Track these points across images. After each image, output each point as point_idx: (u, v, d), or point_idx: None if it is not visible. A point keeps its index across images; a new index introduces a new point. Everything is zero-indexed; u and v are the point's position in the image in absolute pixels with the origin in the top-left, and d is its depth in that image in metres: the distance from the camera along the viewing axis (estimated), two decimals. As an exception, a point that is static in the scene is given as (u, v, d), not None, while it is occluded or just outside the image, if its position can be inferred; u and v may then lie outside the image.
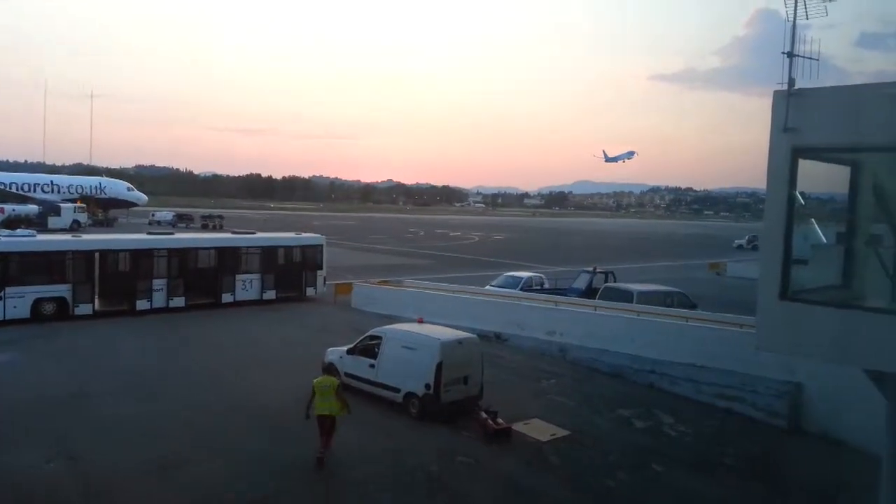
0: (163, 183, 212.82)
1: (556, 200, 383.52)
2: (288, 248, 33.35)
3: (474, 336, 18.00)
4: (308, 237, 35.77)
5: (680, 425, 17.18)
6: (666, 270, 53.78)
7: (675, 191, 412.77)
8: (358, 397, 16.14)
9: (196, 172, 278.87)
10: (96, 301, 27.07)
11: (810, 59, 8.57)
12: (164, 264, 28.66)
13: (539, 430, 16.07)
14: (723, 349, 18.98)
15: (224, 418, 15.85)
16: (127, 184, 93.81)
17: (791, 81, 8.50)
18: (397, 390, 16.84)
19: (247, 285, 30.93)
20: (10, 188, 74.85)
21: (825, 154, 8.94)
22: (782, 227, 8.56)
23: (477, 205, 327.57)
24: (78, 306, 26.38)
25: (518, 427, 15.91)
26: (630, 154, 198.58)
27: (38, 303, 25.66)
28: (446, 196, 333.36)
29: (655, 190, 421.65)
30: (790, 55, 8.54)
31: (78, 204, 73.33)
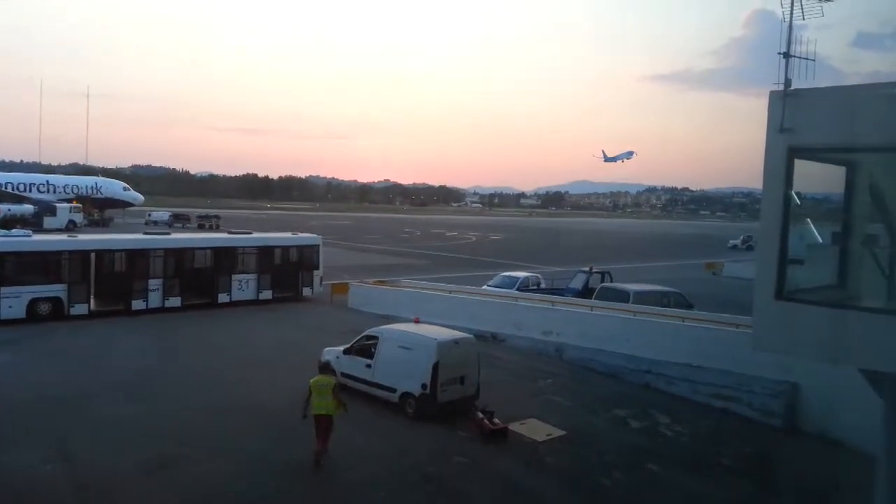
0: (159, 183, 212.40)
1: (553, 200, 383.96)
2: (284, 248, 33.35)
3: (471, 336, 18.01)
4: (304, 237, 35.76)
5: (676, 425, 17.19)
6: (662, 270, 53.84)
7: (672, 191, 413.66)
8: (354, 397, 16.11)
9: (192, 172, 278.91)
10: (92, 301, 27.00)
11: (806, 59, 8.58)
12: (160, 264, 28.60)
13: (535, 430, 16.06)
14: (719, 349, 18.99)
15: (222, 418, 15.82)
16: (123, 184, 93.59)
17: (787, 82, 8.51)
18: (394, 390, 16.83)
19: (243, 285, 30.89)
20: (6, 188, 74.53)
21: (821, 154, 8.95)
22: (778, 226, 8.57)
23: (474, 205, 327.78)
24: (73, 306, 26.31)
25: (514, 427, 15.91)
26: (629, 154, 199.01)
27: (33, 303, 25.60)
28: (443, 196, 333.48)
29: (652, 190, 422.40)
30: (786, 56, 8.55)
31: (74, 204, 73.22)
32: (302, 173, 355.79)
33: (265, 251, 32.11)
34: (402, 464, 13.78)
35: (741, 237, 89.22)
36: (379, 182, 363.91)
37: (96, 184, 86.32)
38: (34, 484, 12.22)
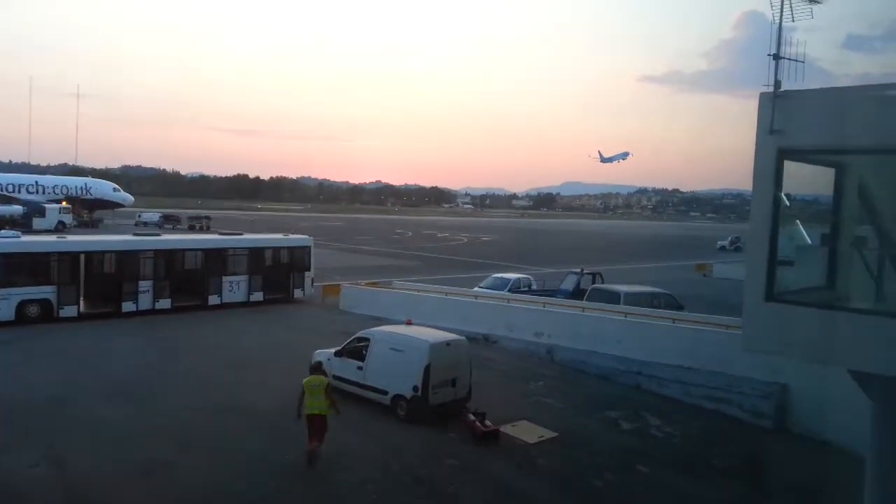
0: (149, 184, 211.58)
1: (544, 202, 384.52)
2: (275, 250, 33.24)
3: (462, 338, 17.97)
4: (296, 238, 35.64)
5: (667, 426, 17.24)
6: (653, 271, 54.02)
7: (663, 192, 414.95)
8: (346, 399, 16.08)
9: (183, 173, 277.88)
10: (81, 303, 26.83)
11: (796, 61, 8.61)
12: (151, 266, 28.45)
13: (527, 431, 16.07)
14: (709, 350, 19.07)
15: (217, 419, 15.81)
16: (113, 184, 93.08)
17: (777, 83, 8.53)
18: (385, 392, 16.79)
19: (234, 287, 30.75)
20: (-6, 189, 74.15)
21: (811, 156, 8.98)
22: (768, 228, 8.59)
23: (465, 206, 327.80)
24: (63, 308, 26.13)
25: (506, 429, 15.91)
26: (624, 155, 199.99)
27: (22, 305, 25.41)
28: (434, 197, 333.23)
29: (643, 191, 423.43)
30: (776, 57, 8.57)
31: (63, 205, 72.68)
32: (293, 174, 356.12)
33: (256, 252, 31.98)
34: (393, 465, 13.76)
35: (729, 238, 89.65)
36: (371, 183, 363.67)
37: (86, 184, 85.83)
38: (29, 486, 12.16)
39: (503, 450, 14.98)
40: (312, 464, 13.31)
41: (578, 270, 34.20)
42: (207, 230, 72.88)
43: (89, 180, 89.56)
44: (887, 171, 8.57)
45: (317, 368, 14.59)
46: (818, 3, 8.82)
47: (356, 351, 17.78)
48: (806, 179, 9.22)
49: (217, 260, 30.51)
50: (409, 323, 18.60)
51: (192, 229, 78.46)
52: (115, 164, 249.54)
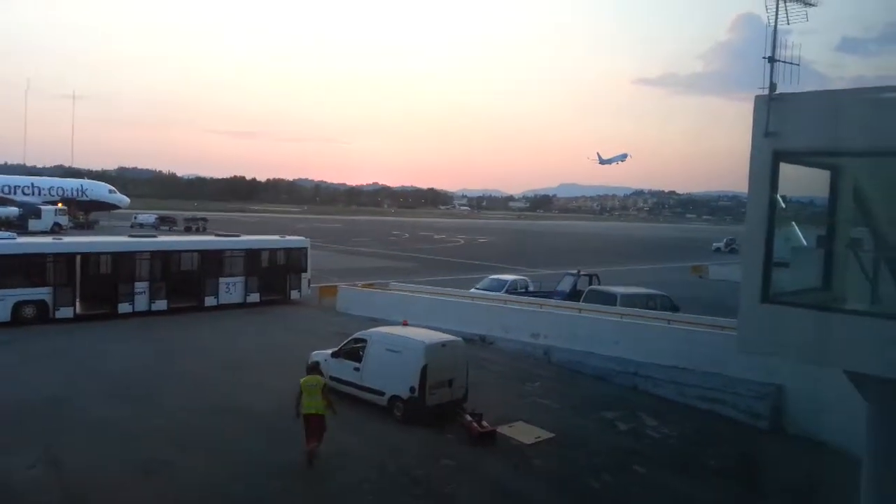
0: (145, 185, 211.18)
1: (541, 203, 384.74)
2: (272, 251, 33.24)
3: (459, 339, 18.00)
4: (292, 240, 35.61)
5: (663, 427, 17.28)
6: (649, 273, 54.12)
7: (659, 194, 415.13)
8: (342, 400, 16.08)
9: (179, 175, 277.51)
10: (77, 304, 26.81)
11: (791, 63, 8.65)
12: (147, 267, 28.42)
13: (523, 432, 16.09)
14: (705, 351, 19.12)
15: (214, 420, 15.82)
16: (109, 186, 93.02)
17: (772, 86, 8.57)
18: (382, 393, 16.80)
19: (230, 288, 30.74)
20: (-10, 190, 74.02)
21: (806, 158, 9.03)
22: (764, 230, 8.63)
23: (462, 208, 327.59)
24: (59, 309, 26.11)
25: (503, 430, 15.93)
26: (623, 156, 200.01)
27: (18, 306, 25.37)
28: (431, 199, 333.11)
29: (639, 193, 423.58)
30: (771, 60, 8.61)
31: (59, 206, 72.64)
32: (290, 176, 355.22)
33: (252, 254, 31.97)
34: (390, 466, 13.77)
35: (724, 240, 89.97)
36: (367, 185, 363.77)
37: (81, 186, 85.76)
38: (26, 487, 12.15)
39: (500, 450, 15.00)
40: (311, 463, 13.35)
41: (575, 272, 34.26)
42: (204, 232, 72.81)
43: (85, 182, 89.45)
44: (882, 173, 8.63)
45: (314, 368, 14.61)
46: (813, 5, 8.88)
47: (353, 352, 17.78)
48: (801, 181, 9.27)
49: (213, 261, 30.49)
50: (405, 324, 18.63)
51: (188, 231, 78.43)
52: (111, 166, 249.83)
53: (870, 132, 7.89)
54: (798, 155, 8.80)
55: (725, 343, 17.84)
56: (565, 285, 33.33)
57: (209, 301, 29.97)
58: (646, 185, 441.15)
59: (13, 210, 68.32)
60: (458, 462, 14.20)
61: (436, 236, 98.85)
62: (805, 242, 9.38)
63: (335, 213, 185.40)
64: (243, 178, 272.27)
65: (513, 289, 33.82)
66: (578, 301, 28.56)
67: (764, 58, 8.63)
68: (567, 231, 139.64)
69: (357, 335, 18.25)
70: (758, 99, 8.64)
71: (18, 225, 62.06)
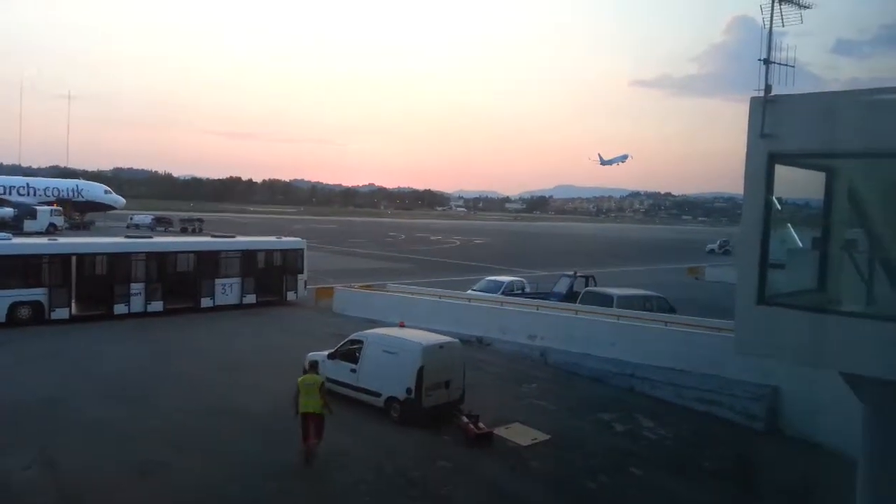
0: (141, 186, 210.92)
1: (537, 205, 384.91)
2: (268, 252, 33.16)
3: (456, 340, 17.99)
4: (288, 241, 35.55)
5: (660, 429, 17.30)
6: (645, 275, 54.18)
7: (655, 196, 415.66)
8: (339, 402, 16.07)
9: (175, 175, 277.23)
10: (73, 305, 26.73)
11: (786, 65, 8.67)
12: (142, 268, 28.37)
13: (520, 434, 16.09)
14: (701, 353, 19.15)
15: (210, 422, 15.79)
16: (104, 186, 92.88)
17: (767, 88, 8.59)
18: (378, 395, 16.80)
19: (226, 289, 30.69)
20: (-15, 191, 73.83)
21: (801, 160, 9.04)
22: (759, 231, 8.64)
23: (458, 209, 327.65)
24: (54, 311, 26.03)
25: (499, 431, 15.93)
26: (624, 157, 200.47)
27: (13, 307, 25.30)
28: (427, 200, 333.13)
29: (635, 195, 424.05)
30: (766, 62, 8.63)
31: (54, 207, 72.42)
32: (286, 177, 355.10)
33: (249, 255, 31.92)
34: (387, 467, 13.77)
35: (718, 242, 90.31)
36: (364, 186, 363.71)
37: (77, 187, 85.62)
38: (21, 488, 12.13)
39: (496, 452, 15.00)
40: (310, 462, 13.38)
41: (571, 273, 34.23)
42: (200, 232, 72.71)
43: (81, 182, 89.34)
44: (877, 174, 8.65)
45: (312, 367, 14.62)
46: (808, 7, 8.90)
47: (349, 353, 17.77)
48: (797, 183, 9.28)
49: (209, 262, 30.44)
50: (402, 325, 18.62)
51: (184, 232, 78.28)
52: (106, 166, 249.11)
53: (865, 134, 7.91)
54: (793, 156, 8.82)
55: (722, 345, 17.88)
56: (562, 287, 33.30)
57: (205, 302, 29.91)
58: (642, 187, 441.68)
59: (8, 211, 68.14)
60: (454, 463, 14.20)
61: (432, 237, 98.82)
62: (800, 244, 9.40)
63: (331, 214, 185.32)
64: (239, 178, 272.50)
65: (509, 290, 33.80)
66: (575, 302, 28.56)
67: (759, 60, 8.65)
68: (563, 232, 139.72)
69: (353, 336, 18.24)
70: (753, 101, 8.66)
71: (13, 226, 61.79)
